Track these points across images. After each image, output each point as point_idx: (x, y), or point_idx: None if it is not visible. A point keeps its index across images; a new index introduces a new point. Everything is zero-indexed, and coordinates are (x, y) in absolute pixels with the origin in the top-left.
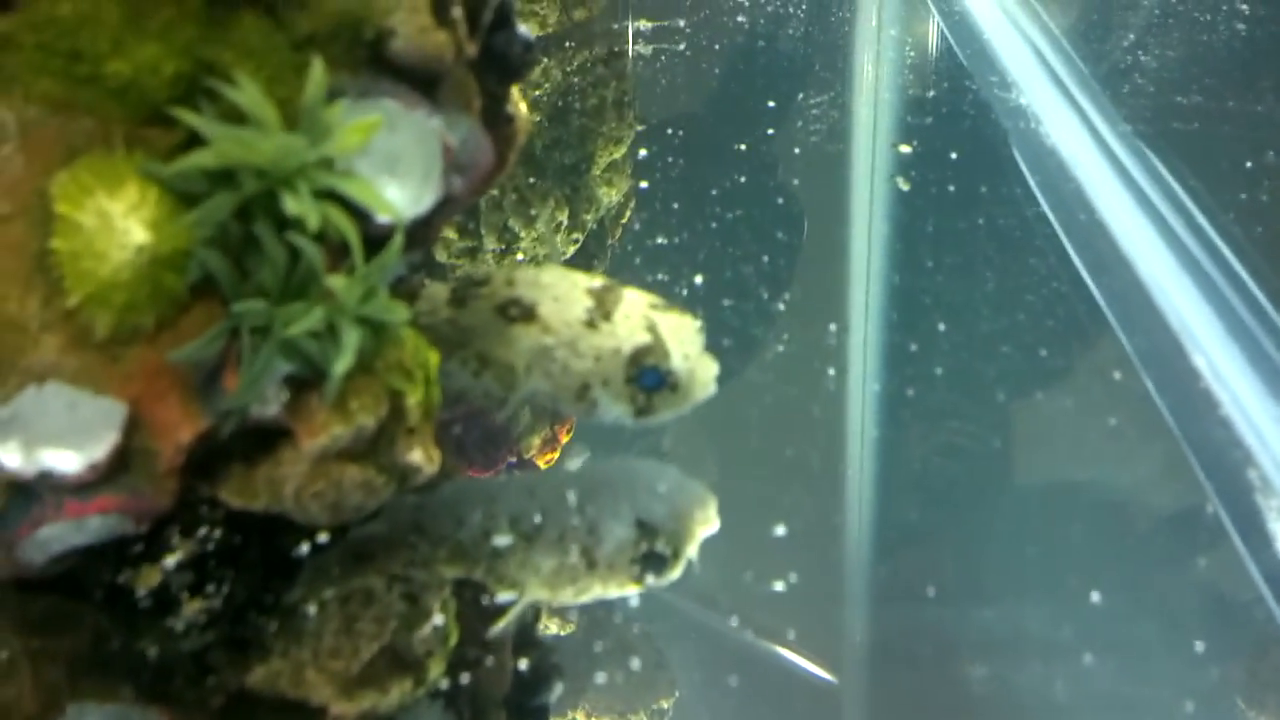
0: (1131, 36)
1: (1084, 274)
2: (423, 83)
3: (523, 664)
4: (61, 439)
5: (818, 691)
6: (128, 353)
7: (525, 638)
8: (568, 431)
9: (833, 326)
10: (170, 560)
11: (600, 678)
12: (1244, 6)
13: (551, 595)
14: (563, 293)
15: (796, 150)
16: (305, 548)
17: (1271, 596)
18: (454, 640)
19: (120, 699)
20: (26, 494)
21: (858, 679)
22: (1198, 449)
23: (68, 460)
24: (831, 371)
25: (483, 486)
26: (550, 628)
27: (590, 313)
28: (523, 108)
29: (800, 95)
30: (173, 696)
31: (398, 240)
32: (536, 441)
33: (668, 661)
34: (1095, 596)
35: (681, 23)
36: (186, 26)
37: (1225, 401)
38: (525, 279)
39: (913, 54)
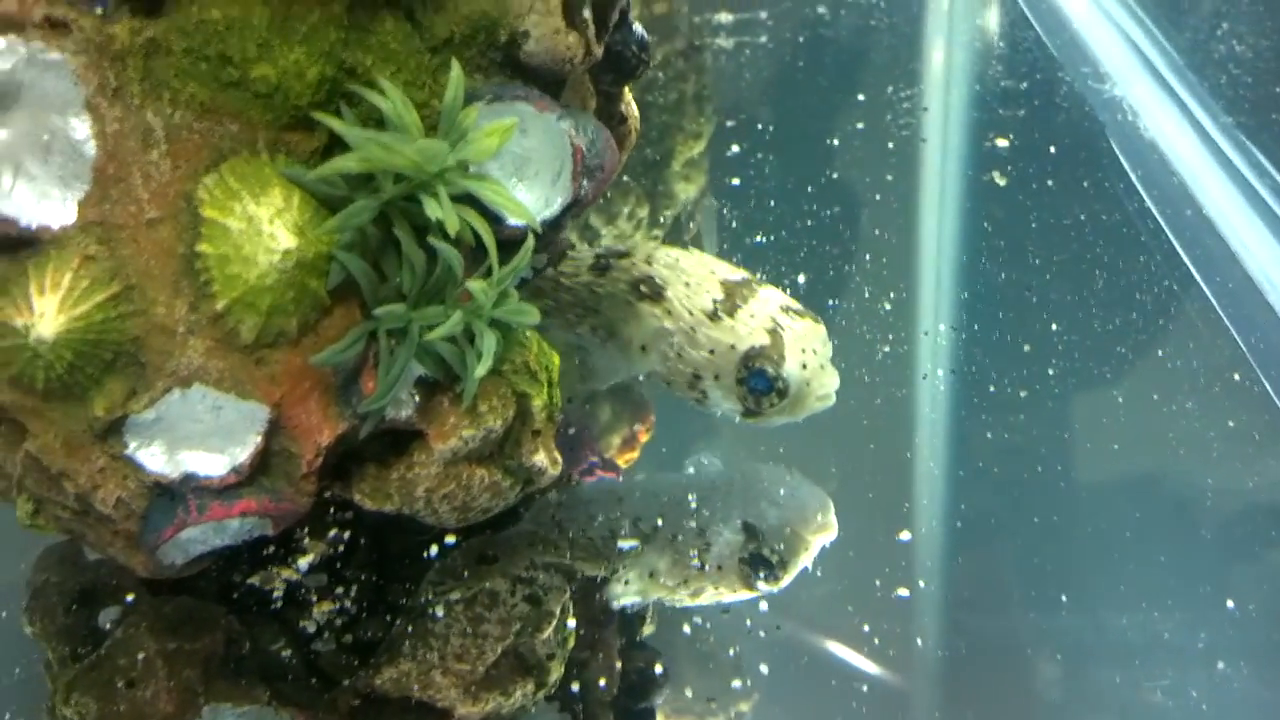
0: (1225, 25)
1: (1194, 271)
2: (549, 84)
3: (629, 666)
4: (206, 442)
5: (895, 695)
6: (271, 356)
7: (631, 641)
8: (647, 431)
9: (942, 326)
10: (303, 562)
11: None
12: None
13: (669, 595)
14: (696, 280)
15: (890, 145)
16: (434, 550)
17: None
18: (572, 643)
19: (254, 701)
20: (171, 496)
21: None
22: None
23: (212, 464)
24: (941, 372)
25: (612, 488)
26: (654, 630)
27: (717, 304)
28: (634, 108)
29: (889, 88)
30: (305, 699)
31: (529, 244)
32: (616, 441)
33: (747, 665)
34: (1230, 603)
35: (763, 15)
36: (330, 31)
37: None
38: (665, 259)
39: (1001, 44)
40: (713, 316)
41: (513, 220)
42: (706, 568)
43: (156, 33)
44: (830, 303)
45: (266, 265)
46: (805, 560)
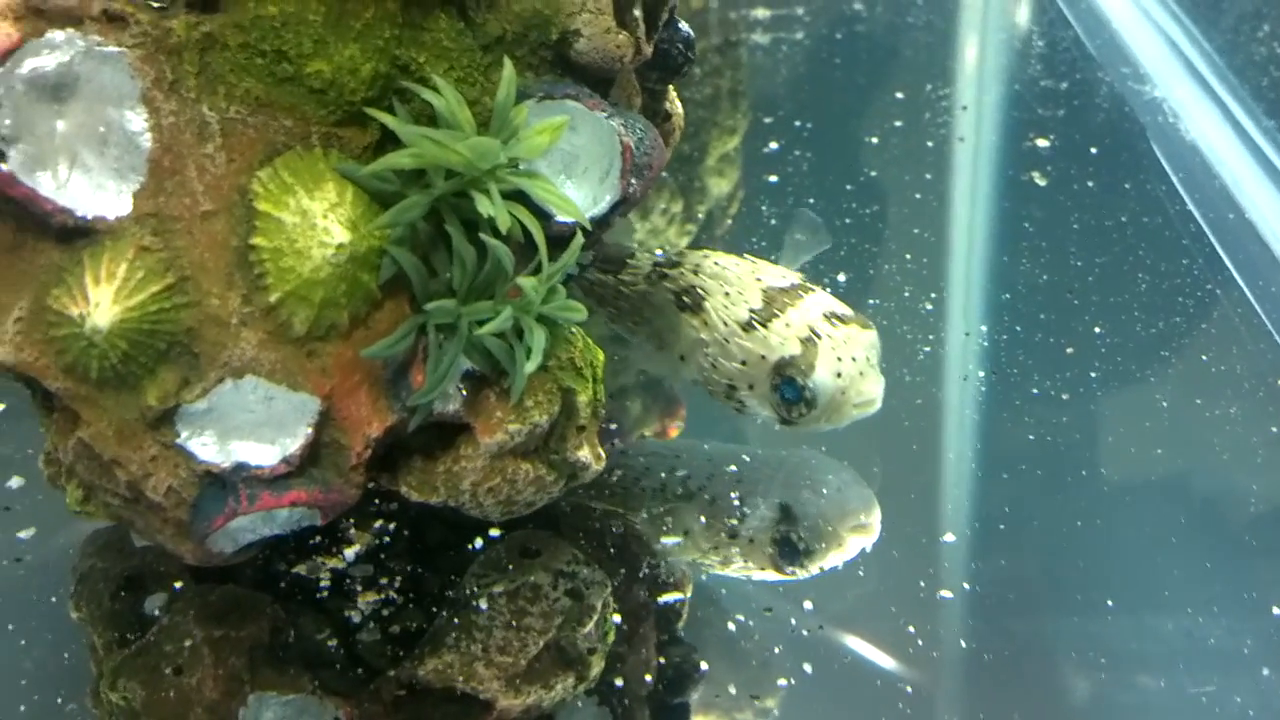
0: (1266, 27)
1: (1236, 275)
2: (599, 82)
3: (667, 662)
4: (257, 433)
5: (939, 697)
6: (323, 348)
7: (670, 636)
8: (678, 426)
9: (983, 327)
10: (348, 552)
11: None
12: None
13: (699, 556)
14: (738, 289)
15: (929, 143)
16: (478, 542)
17: None
18: (612, 637)
19: (299, 689)
20: (222, 485)
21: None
22: None
23: (263, 454)
24: (982, 374)
25: (671, 445)
26: (696, 627)
27: (753, 314)
28: (678, 105)
29: (927, 86)
30: (348, 688)
31: (578, 241)
32: (646, 434)
33: (791, 664)
34: (1275, 610)
35: (800, 10)
36: (384, 27)
37: None
38: (711, 268)
39: (1040, 43)
40: (746, 327)
41: (561, 217)
42: (738, 538)
43: (213, 28)
44: (871, 302)
45: (320, 259)
46: (837, 556)
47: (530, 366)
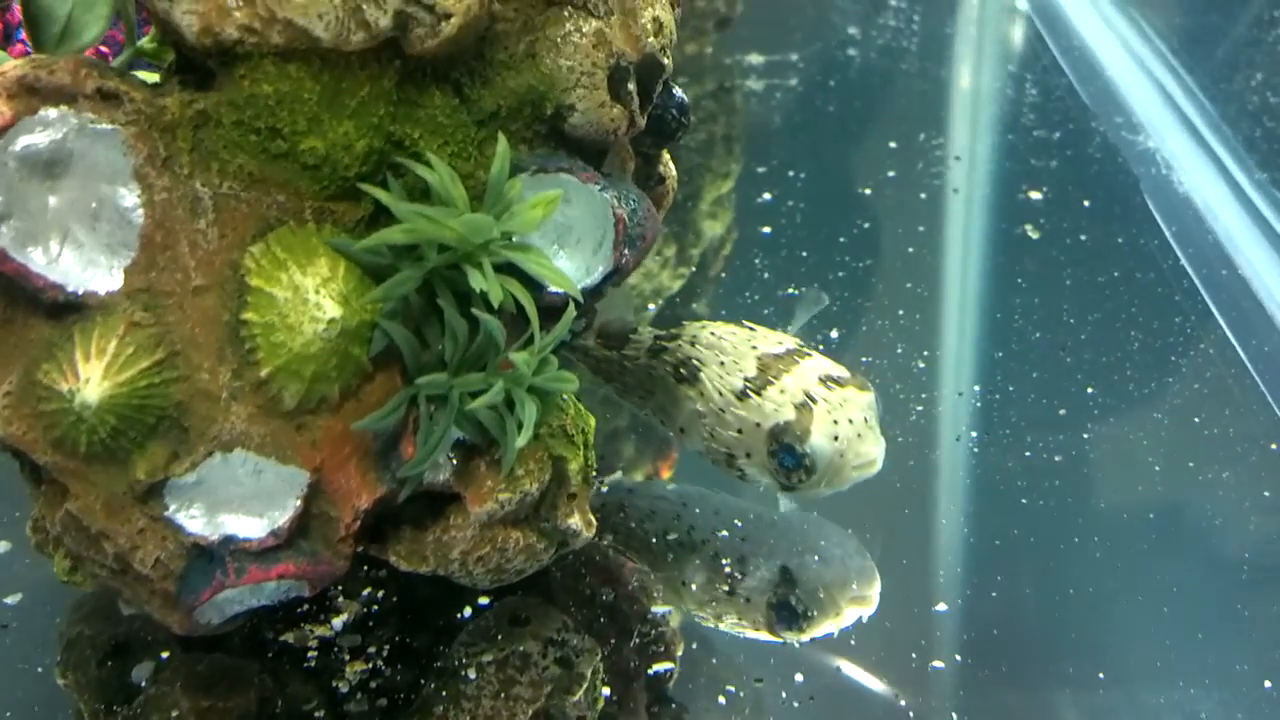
0: (1259, 76)
1: (1229, 335)
2: (592, 153)
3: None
4: (246, 505)
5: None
6: (313, 421)
7: (658, 704)
8: (669, 468)
9: (976, 387)
10: (336, 621)
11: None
12: None
13: (694, 608)
14: (733, 358)
15: (922, 195)
16: (467, 611)
17: None
18: (601, 705)
19: None
20: (209, 558)
21: None
22: None
23: (251, 526)
24: (975, 434)
25: (682, 493)
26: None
27: (748, 383)
28: (672, 168)
29: (921, 135)
30: None
31: (570, 312)
32: (639, 477)
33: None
34: (1267, 684)
35: (794, 57)
36: (379, 105)
37: None
38: (707, 339)
39: (1034, 92)
40: (741, 396)
41: (554, 288)
42: (735, 595)
43: (207, 105)
44: (864, 360)
45: (311, 334)
46: (832, 624)
47: (522, 440)
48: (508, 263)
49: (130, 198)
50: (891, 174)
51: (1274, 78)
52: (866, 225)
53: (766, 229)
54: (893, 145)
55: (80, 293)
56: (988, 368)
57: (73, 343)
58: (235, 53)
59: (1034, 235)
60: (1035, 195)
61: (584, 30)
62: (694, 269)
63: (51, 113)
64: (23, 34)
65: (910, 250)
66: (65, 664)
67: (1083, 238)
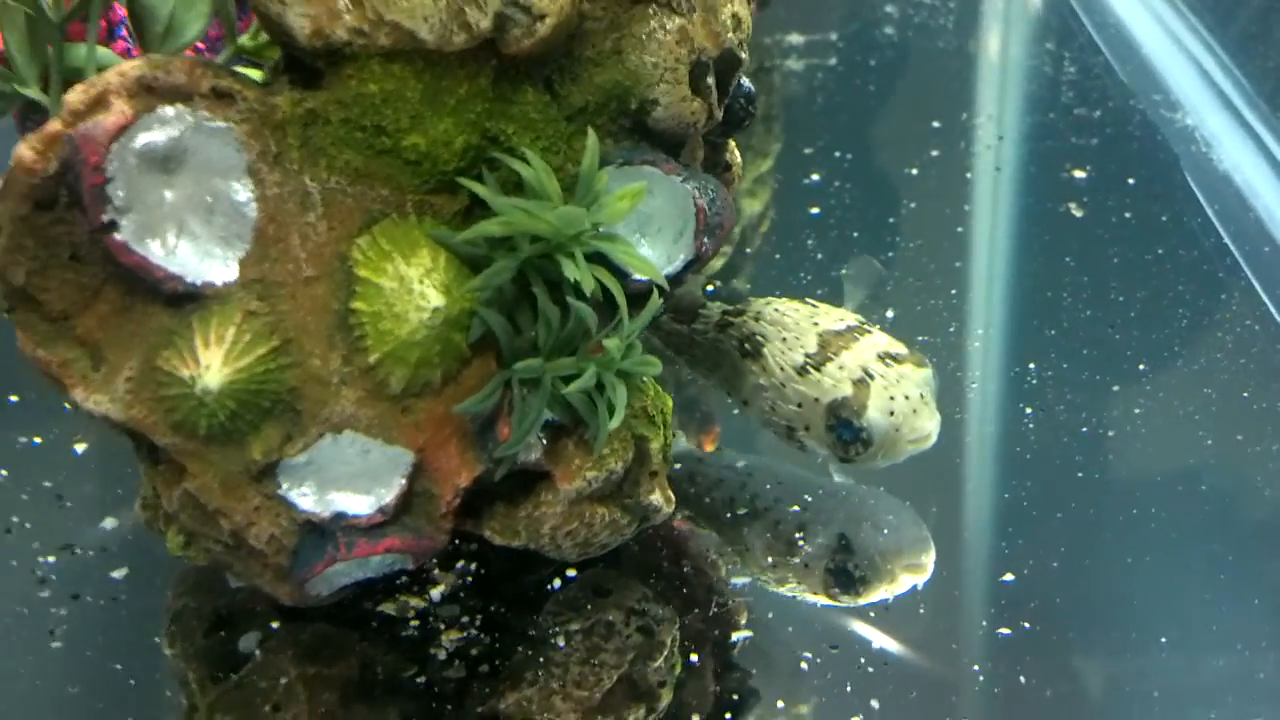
0: None
1: (1273, 311)
2: (672, 145)
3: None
4: (354, 484)
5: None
6: (417, 405)
7: (734, 668)
8: (712, 441)
9: (1032, 365)
10: (434, 592)
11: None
12: None
13: (757, 572)
14: (795, 334)
15: (967, 174)
16: (556, 582)
17: None
18: (679, 670)
19: None
20: (321, 534)
21: None
22: None
23: (359, 503)
24: (1030, 410)
25: (745, 463)
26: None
27: (808, 359)
28: (737, 155)
29: (963, 115)
30: None
31: (654, 299)
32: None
33: (844, 696)
34: None
35: (833, 36)
36: (476, 102)
37: None
38: (771, 315)
39: (1072, 69)
40: (801, 371)
41: (638, 276)
42: (794, 560)
43: (316, 104)
44: (920, 338)
45: (417, 322)
46: (888, 590)
47: (614, 423)
48: (596, 252)
49: (243, 192)
50: (935, 153)
51: None
52: (914, 205)
53: (815, 209)
54: (936, 125)
55: (198, 283)
56: (1041, 345)
57: (192, 331)
58: (343, 54)
59: (1078, 213)
60: (1078, 174)
61: (668, 27)
62: (733, 247)
63: (169, 111)
64: (123, 30)
65: (959, 230)
66: (173, 635)
67: (1127, 215)
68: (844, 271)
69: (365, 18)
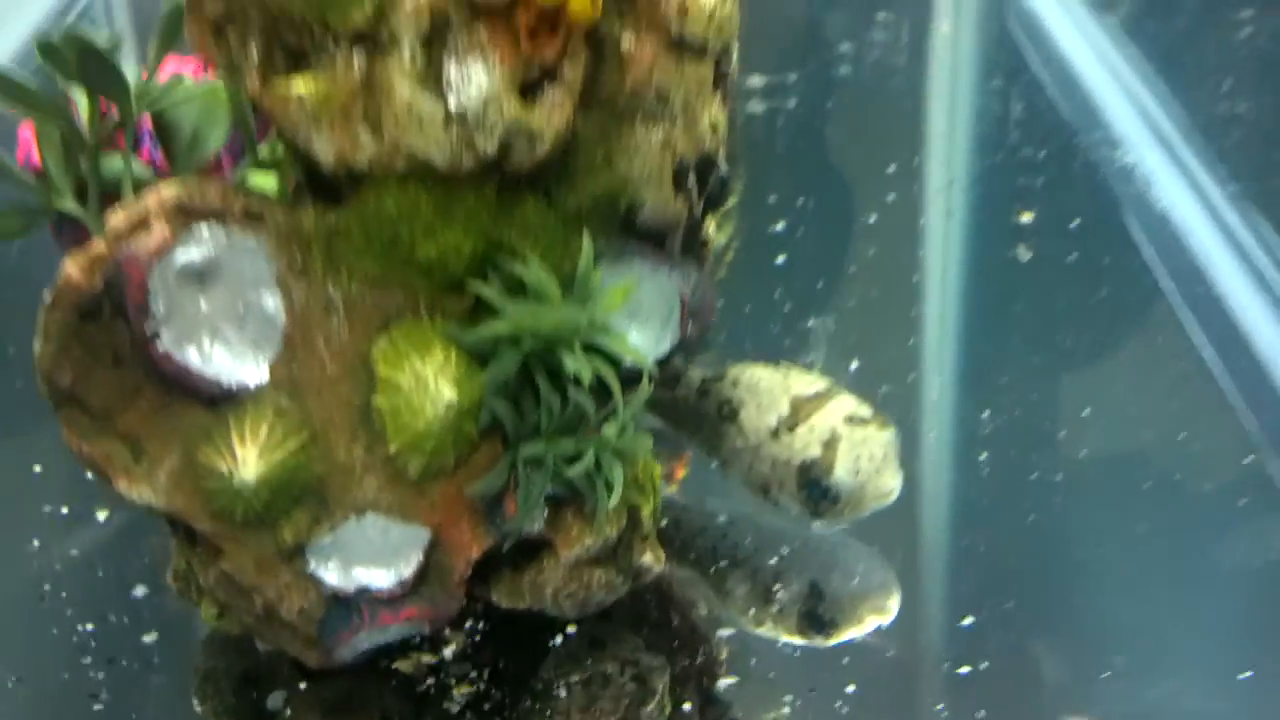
0: (1230, 80)
1: (1204, 355)
2: (657, 237)
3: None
4: (376, 560)
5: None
6: (432, 487)
7: (712, 706)
8: (683, 467)
9: (985, 413)
10: (446, 650)
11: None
12: None
13: (739, 617)
14: (768, 400)
15: (921, 220)
16: (557, 638)
17: None
18: (669, 714)
19: None
20: (346, 606)
21: None
22: None
23: (381, 577)
24: (985, 455)
25: (727, 514)
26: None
27: (780, 422)
28: (713, 228)
29: (915, 158)
30: None
31: (645, 384)
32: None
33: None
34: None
35: (793, 77)
36: (482, 213)
37: None
38: (747, 381)
39: (1020, 107)
40: (774, 434)
41: (630, 361)
42: (771, 608)
43: (338, 220)
44: (882, 389)
45: (432, 416)
46: (855, 630)
47: (612, 501)
48: (593, 343)
49: (272, 301)
50: (891, 198)
51: (1243, 83)
52: (873, 253)
53: (781, 258)
54: (891, 170)
55: (233, 385)
56: (995, 393)
57: (228, 428)
58: (363, 175)
59: (1026, 256)
60: (1025, 217)
61: (652, 140)
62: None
63: (204, 230)
64: (147, 138)
65: (915, 279)
66: (203, 693)
67: (1071, 259)
68: (811, 329)
69: (384, 146)
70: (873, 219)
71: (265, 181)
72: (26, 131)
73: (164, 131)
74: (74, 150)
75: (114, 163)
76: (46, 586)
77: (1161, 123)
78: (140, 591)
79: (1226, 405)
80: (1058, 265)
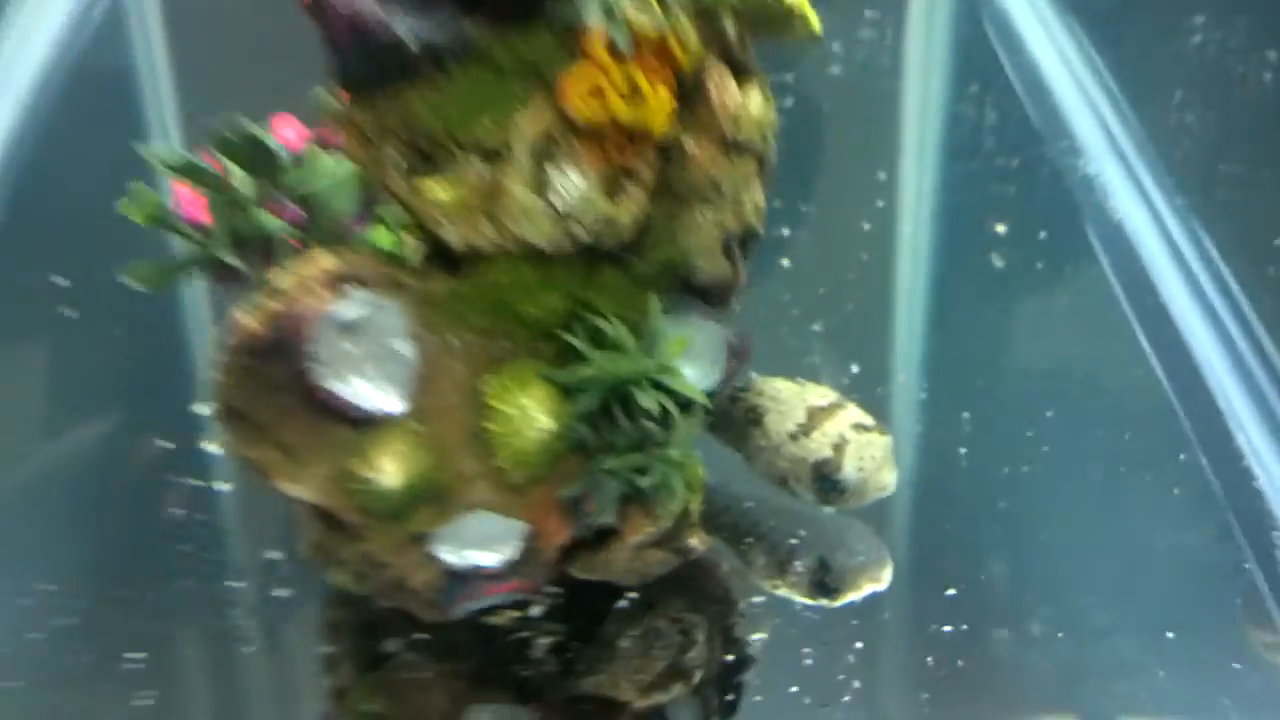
0: (1180, 92)
1: (1154, 365)
2: (708, 294)
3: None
4: (485, 545)
5: None
6: (531, 490)
7: (743, 654)
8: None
9: (967, 414)
10: (533, 610)
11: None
12: (1272, 54)
13: (762, 580)
14: (787, 409)
15: (907, 227)
16: (621, 601)
17: None
18: (710, 659)
19: (503, 702)
20: (461, 579)
21: None
22: (1240, 518)
23: (489, 558)
24: (965, 451)
25: (753, 498)
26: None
27: (798, 427)
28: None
29: (901, 162)
30: (536, 698)
31: (699, 415)
32: None
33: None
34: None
35: (789, 77)
36: (571, 280)
37: (1261, 478)
38: (770, 392)
39: (994, 114)
40: (793, 437)
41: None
42: (787, 574)
43: (458, 287)
44: (877, 390)
45: (531, 437)
46: (856, 594)
47: (675, 508)
48: (659, 382)
49: (406, 348)
50: (881, 204)
51: (1192, 93)
52: (866, 258)
53: (786, 261)
54: (881, 176)
55: (375, 412)
56: (977, 395)
57: (371, 445)
58: (481, 254)
59: (1000, 265)
60: (1000, 227)
61: (707, 219)
62: None
63: (357, 294)
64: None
65: (902, 285)
66: (331, 638)
67: (1039, 267)
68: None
69: (501, 234)
70: (867, 228)
71: (385, 239)
72: (184, 190)
73: (306, 200)
74: (235, 209)
75: (267, 221)
76: (187, 548)
77: (1118, 132)
78: (274, 555)
79: (1170, 410)
80: (1029, 274)
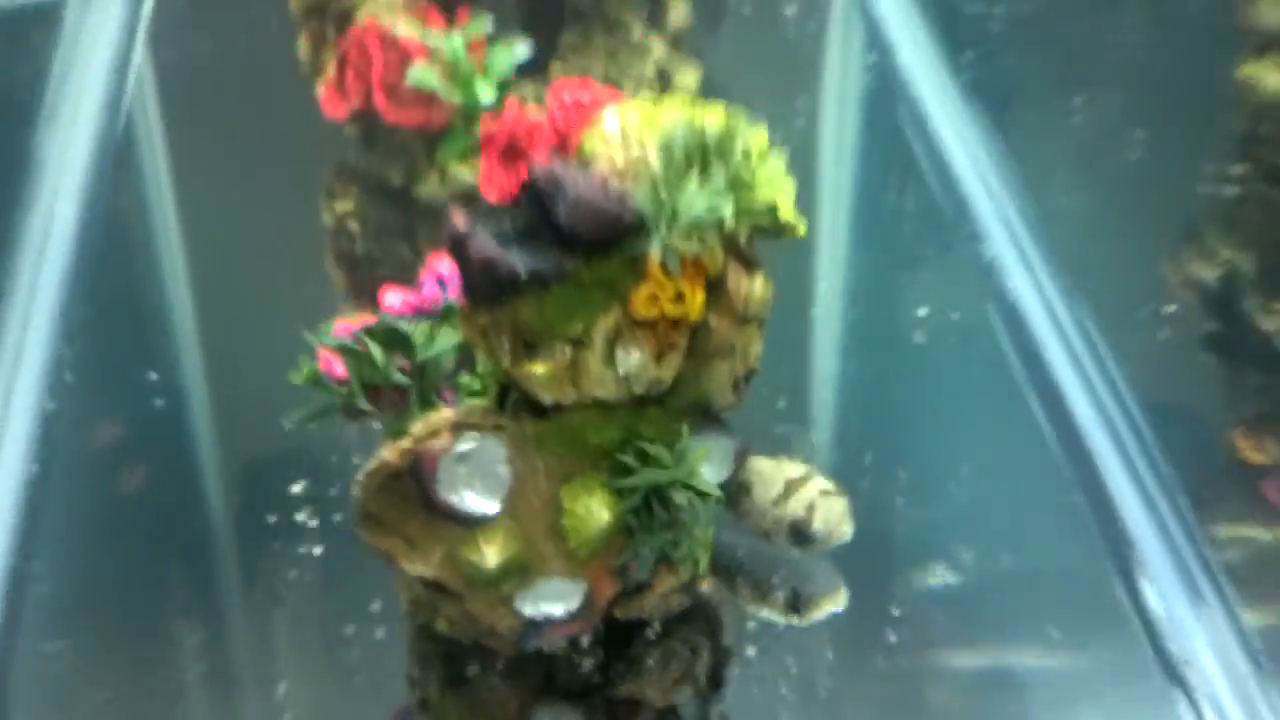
0: (1062, 171)
1: (1043, 432)
2: (720, 417)
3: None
4: (554, 599)
5: None
6: (591, 563)
7: (744, 667)
8: None
9: (902, 473)
10: (583, 639)
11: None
12: (1139, 133)
13: (744, 602)
14: (770, 481)
15: (837, 316)
16: (649, 632)
17: None
18: (716, 673)
19: (561, 705)
20: (535, 624)
21: None
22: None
23: (557, 610)
24: (900, 501)
25: (740, 540)
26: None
27: (778, 495)
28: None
29: (824, 246)
30: (585, 704)
31: (714, 503)
32: None
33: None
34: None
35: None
36: (626, 417)
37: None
38: (755, 469)
39: (910, 204)
40: (775, 503)
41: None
42: (767, 600)
43: (544, 428)
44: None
45: (595, 527)
46: (819, 614)
47: (701, 570)
48: (687, 485)
49: (504, 470)
50: (824, 286)
51: (1074, 175)
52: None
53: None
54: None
55: (479, 515)
56: (904, 458)
57: (477, 537)
58: (562, 405)
59: (921, 343)
60: (922, 311)
61: (723, 369)
62: None
63: (470, 435)
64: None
65: (823, 373)
66: (415, 664)
67: (951, 347)
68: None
69: (579, 393)
70: (815, 313)
71: (474, 383)
72: (328, 354)
73: (425, 362)
74: (368, 370)
75: (396, 376)
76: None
77: (1012, 216)
78: (377, 605)
79: (1063, 480)
80: (942, 356)
